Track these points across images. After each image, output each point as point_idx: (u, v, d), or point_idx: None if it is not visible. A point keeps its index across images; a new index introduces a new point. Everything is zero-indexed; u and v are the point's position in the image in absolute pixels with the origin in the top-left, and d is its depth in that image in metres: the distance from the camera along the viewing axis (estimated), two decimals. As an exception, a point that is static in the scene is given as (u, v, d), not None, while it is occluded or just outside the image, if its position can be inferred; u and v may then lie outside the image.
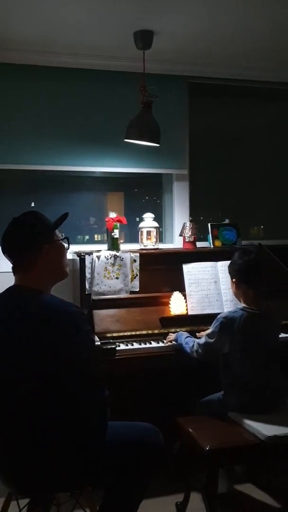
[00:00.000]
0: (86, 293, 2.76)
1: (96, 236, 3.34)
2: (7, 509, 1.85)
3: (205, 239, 3.20)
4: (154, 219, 3.03)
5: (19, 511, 1.84)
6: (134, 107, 2.76)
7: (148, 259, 2.89)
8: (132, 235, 3.25)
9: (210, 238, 3.11)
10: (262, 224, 3.70)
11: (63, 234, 1.84)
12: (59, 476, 1.65)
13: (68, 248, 1.85)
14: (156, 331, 2.68)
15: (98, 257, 2.79)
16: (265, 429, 2.05)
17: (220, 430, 2.15)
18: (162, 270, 2.91)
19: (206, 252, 3.01)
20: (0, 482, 1.71)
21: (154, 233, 3.00)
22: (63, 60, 2.93)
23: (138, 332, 2.66)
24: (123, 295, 2.80)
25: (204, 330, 2.59)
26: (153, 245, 2.99)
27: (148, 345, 2.55)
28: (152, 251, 2.96)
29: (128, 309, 2.76)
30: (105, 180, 3.33)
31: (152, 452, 1.79)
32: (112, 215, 2.86)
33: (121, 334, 2.63)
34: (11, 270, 1.75)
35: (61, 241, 1.81)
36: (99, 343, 2.42)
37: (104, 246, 2.92)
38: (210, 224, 3.13)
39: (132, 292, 2.83)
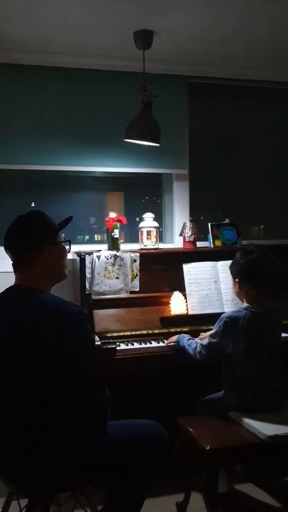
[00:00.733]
0: (86, 293, 2.76)
1: (96, 236, 3.34)
2: (7, 508, 1.85)
3: (205, 239, 3.20)
4: (154, 219, 3.03)
5: (20, 510, 1.84)
6: (134, 107, 2.76)
7: (148, 259, 2.89)
8: (132, 235, 3.25)
9: (210, 237, 3.11)
10: (262, 224, 3.71)
11: (64, 237, 1.85)
12: (60, 475, 1.65)
13: (69, 251, 1.85)
14: (156, 331, 2.68)
15: (98, 257, 2.79)
16: (265, 429, 2.05)
17: (221, 430, 2.15)
18: (162, 270, 2.91)
19: (206, 252, 3.01)
20: (1, 482, 1.71)
21: (154, 233, 3.00)
22: (63, 60, 2.93)
23: (138, 332, 2.66)
24: (123, 295, 2.80)
25: (204, 330, 2.59)
26: (153, 245, 2.99)
27: (148, 345, 2.55)
28: (152, 251, 2.96)
29: (128, 309, 2.76)
30: (105, 180, 3.33)
31: (154, 449, 1.79)
32: (112, 215, 2.86)
33: (121, 334, 2.63)
34: (11, 270, 1.75)
35: (63, 243, 1.82)
36: (99, 343, 2.42)
37: (104, 246, 2.92)
38: (210, 224, 3.13)
39: (132, 292, 2.83)
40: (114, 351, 2.42)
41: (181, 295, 2.81)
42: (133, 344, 2.55)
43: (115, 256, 2.81)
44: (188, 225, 3.07)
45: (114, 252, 2.82)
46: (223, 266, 2.85)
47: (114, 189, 3.42)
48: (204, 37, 2.75)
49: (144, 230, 3.00)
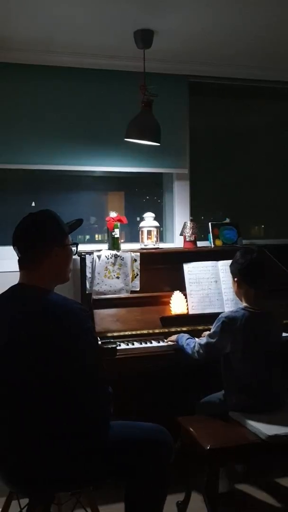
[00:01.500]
0: (87, 292, 2.76)
1: (96, 235, 3.34)
2: (8, 508, 1.85)
3: (205, 238, 3.20)
4: (155, 219, 3.03)
5: (20, 510, 1.84)
6: (134, 106, 2.76)
7: (148, 258, 2.89)
8: (133, 234, 3.25)
9: (211, 237, 3.11)
10: (263, 224, 3.70)
11: (72, 239, 1.85)
12: (60, 475, 1.65)
13: (76, 254, 1.85)
14: (156, 331, 2.68)
15: (99, 257, 2.78)
16: (266, 429, 2.05)
17: (221, 430, 2.14)
18: (162, 270, 2.91)
19: (206, 252, 3.01)
20: (1, 481, 1.71)
21: (155, 233, 3.00)
22: (64, 60, 2.92)
23: (138, 332, 2.66)
24: (123, 295, 2.80)
25: (205, 330, 2.59)
26: (154, 245, 2.99)
27: (148, 345, 2.55)
28: (153, 250, 2.95)
29: (129, 308, 2.75)
30: (105, 180, 3.33)
31: (158, 451, 1.77)
32: (113, 214, 2.86)
33: (122, 333, 2.63)
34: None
35: (70, 246, 1.81)
36: (100, 342, 2.41)
37: (105, 246, 2.92)
38: (211, 224, 3.13)
39: (132, 292, 2.83)
40: (115, 351, 2.42)
41: (182, 294, 2.81)
42: (133, 344, 2.55)
43: (116, 256, 2.81)
44: (188, 224, 3.06)
45: (114, 252, 2.82)
46: (224, 266, 2.85)
47: (114, 188, 3.42)
48: (205, 37, 2.75)
49: (145, 230, 3.00)
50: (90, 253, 2.78)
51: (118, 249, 2.85)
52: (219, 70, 3.21)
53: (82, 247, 2.99)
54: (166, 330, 2.68)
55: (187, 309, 2.80)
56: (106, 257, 2.80)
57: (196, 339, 2.41)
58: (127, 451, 1.74)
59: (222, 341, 2.22)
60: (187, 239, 3.05)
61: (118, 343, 2.51)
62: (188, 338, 2.42)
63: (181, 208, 3.30)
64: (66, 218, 1.87)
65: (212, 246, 3.10)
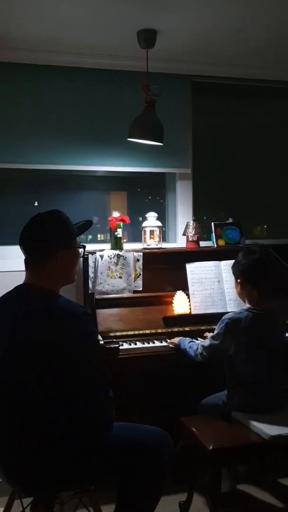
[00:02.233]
0: (89, 292, 2.76)
1: (99, 235, 3.34)
2: (10, 507, 1.85)
3: (208, 238, 3.20)
4: (157, 219, 3.03)
5: (23, 510, 1.84)
6: (137, 106, 2.76)
7: (151, 258, 2.89)
8: (135, 234, 3.25)
9: (214, 237, 3.11)
10: (266, 224, 3.70)
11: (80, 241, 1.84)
12: (63, 475, 1.65)
13: (82, 256, 1.85)
14: (159, 331, 2.68)
15: (101, 257, 2.78)
16: (268, 429, 2.05)
17: (223, 430, 2.14)
18: (165, 270, 2.91)
19: (209, 251, 3.01)
20: (4, 481, 1.71)
21: (157, 233, 2.99)
22: (66, 59, 2.92)
23: (141, 332, 2.65)
24: (126, 295, 2.80)
25: (208, 330, 2.59)
26: (156, 245, 2.98)
27: (151, 344, 2.55)
28: (155, 250, 2.95)
29: (131, 308, 2.75)
30: (108, 179, 3.33)
31: (159, 454, 1.76)
32: (115, 214, 2.86)
33: (124, 333, 2.63)
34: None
35: (77, 248, 1.81)
36: (102, 342, 2.42)
37: (107, 246, 2.92)
38: (214, 223, 3.13)
39: (135, 292, 2.83)
40: (117, 351, 2.42)
41: (184, 294, 2.81)
42: (136, 344, 2.55)
43: (118, 256, 2.81)
44: (191, 224, 3.06)
45: (117, 252, 2.82)
46: (226, 266, 2.85)
47: (117, 188, 3.42)
48: (208, 36, 2.75)
49: (147, 230, 3.00)
50: (93, 253, 2.78)
51: (120, 249, 2.85)
52: (222, 70, 3.21)
53: (84, 247, 3.00)
54: (169, 330, 2.68)
55: (190, 309, 2.79)
56: (108, 256, 2.80)
57: (199, 341, 2.40)
58: (127, 453, 1.73)
59: (226, 343, 2.22)
60: (190, 239, 3.05)
61: (120, 342, 2.51)
62: (190, 341, 2.40)
63: (183, 208, 3.29)
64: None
65: (215, 246, 3.09)
